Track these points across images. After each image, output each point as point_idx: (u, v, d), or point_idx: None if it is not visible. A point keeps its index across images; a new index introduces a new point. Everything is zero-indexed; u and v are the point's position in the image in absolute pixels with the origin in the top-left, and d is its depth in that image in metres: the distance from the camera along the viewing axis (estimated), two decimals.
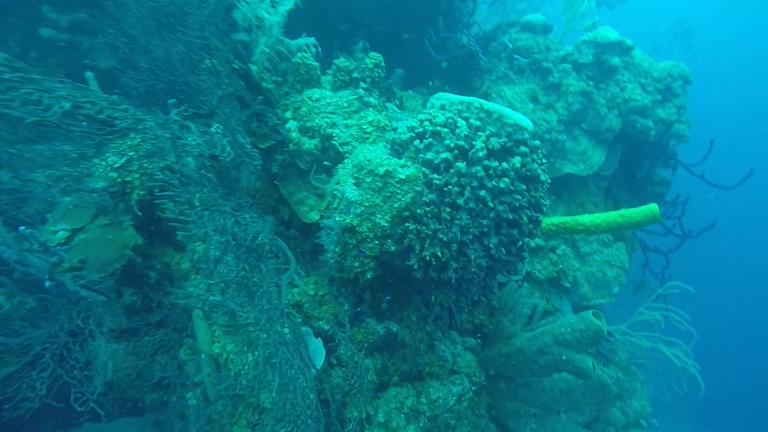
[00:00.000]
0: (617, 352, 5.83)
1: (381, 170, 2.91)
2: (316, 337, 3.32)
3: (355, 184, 3.02)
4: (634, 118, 5.31)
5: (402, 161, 2.98)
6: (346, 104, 3.69)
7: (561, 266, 5.08)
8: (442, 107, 3.10)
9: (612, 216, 3.69)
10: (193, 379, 3.56)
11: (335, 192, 3.08)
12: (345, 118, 3.65)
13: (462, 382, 3.81)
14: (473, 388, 3.96)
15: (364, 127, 3.62)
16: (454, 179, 2.81)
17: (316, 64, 3.84)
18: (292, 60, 3.81)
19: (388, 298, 3.38)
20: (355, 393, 2.86)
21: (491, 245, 2.88)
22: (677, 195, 6.33)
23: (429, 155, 2.91)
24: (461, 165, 2.79)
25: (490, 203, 2.79)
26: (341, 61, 3.81)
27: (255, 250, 2.47)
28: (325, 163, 3.41)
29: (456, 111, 3.00)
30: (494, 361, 4.06)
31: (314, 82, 3.86)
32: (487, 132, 2.86)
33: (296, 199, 3.39)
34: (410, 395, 3.58)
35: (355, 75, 3.82)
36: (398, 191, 2.91)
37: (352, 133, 3.57)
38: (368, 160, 2.97)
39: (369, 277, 3.08)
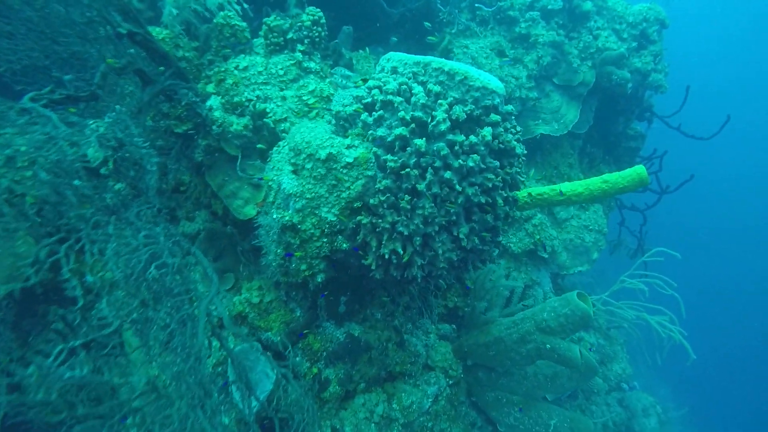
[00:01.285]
0: (597, 318, 5.59)
1: (323, 154, 2.36)
2: (266, 351, 2.84)
3: (294, 172, 2.47)
4: (609, 69, 4.84)
5: (348, 141, 2.44)
6: (281, 72, 3.08)
7: (538, 237, 4.70)
8: (394, 70, 2.54)
9: (595, 183, 3.26)
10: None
11: (270, 183, 2.52)
12: (281, 89, 3.04)
13: (438, 380, 3.43)
14: (450, 382, 3.59)
15: (304, 98, 3.03)
16: (413, 160, 2.29)
17: (244, 24, 3.18)
18: (214, 21, 3.14)
19: (344, 299, 2.91)
20: (308, 418, 2.41)
21: (462, 235, 2.41)
22: (654, 149, 6.00)
23: (380, 131, 2.37)
24: (420, 142, 2.27)
25: (457, 186, 2.29)
26: (273, 20, 3.16)
27: (163, 275, 1.93)
28: (258, 146, 2.83)
29: (411, 74, 2.45)
30: (472, 351, 3.69)
31: (243, 47, 3.21)
32: (450, 99, 2.33)
33: (227, 192, 2.82)
34: (380, 401, 3.17)
35: (290, 36, 3.18)
36: (346, 178, 2.38)
37: (290, 106, 2.98)
38: (307, 142, 2.41)
39: (320, 280, 2.59)
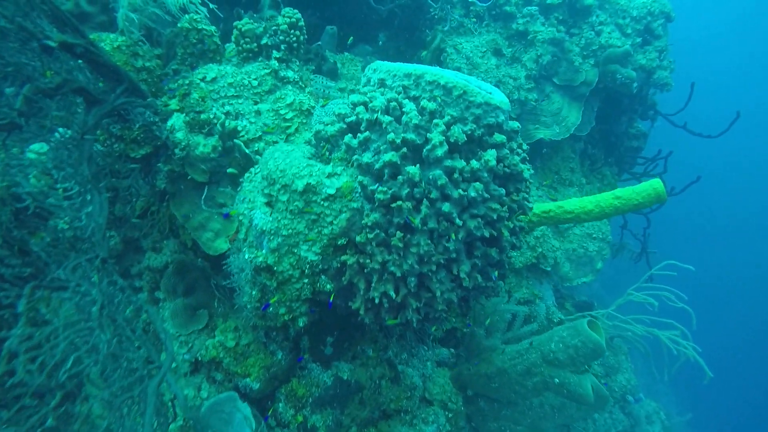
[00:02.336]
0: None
1: (300, 185, 2.02)
2: (244, 400, 2.52)
3: (268, 204, 2.14)
4: (613, 68, 4.52)
5: (329, 167, 2.10)
6: (255, 83, 2.73)
7: (540, 249, 4.40)
8: (382, 83, 2.20)
9: (606, 199, 2.96)
10: None
11: (241, 218, 2.19)
12: (255, 103, 2.69)
13: (436, 418, 3.13)
14: (450, 416, 3.30)
15: (282, 112, 2.69)
16: (405, 191, 1.96)
17: (212, 28, 2.82)
18: (179, 25, 2.78)
19: (331, 340, 2.59)
20: None
21: (463, 274, 2.09)
22: (659, 150, 5.70)
23: (366, 157, 2.04)
24: (413, 170, 1.94)
25: (457, 220, 1.97)
26: (244, 23, 2.81)
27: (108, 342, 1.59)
28: (229, 170, 2.48)
29: (401, 88, 2.11)
30: (472, 381, 3.39)
31: (213, 54, 2.85)
32: (447, 118, 2.00)
33: (195, 224, 2.48)
34: None
35: (265, 41, 2.83)
36: (327, 212, 2.05)
37: (265, 122, 2.63)
38: (281, 171, 2.07)
39: (301, 325, 2.26)
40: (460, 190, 1.95)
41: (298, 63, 2.93)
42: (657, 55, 4.86)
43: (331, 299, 2.24)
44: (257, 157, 2.43)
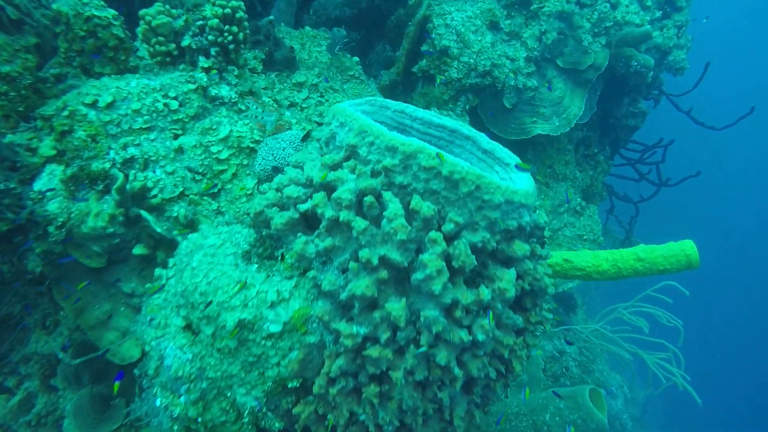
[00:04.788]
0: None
1: (229, 321, 1.37)
2: None
3: (186, 329, 1.48)
4: (629, 52, 3.80)
5: (274, 284, 1.44)
6: (174, 104, 1.94)
7: None
8: (352, 151, 1.49)
9: (625, 260, 2.42)
10: None
11: (147, 347, 1.53)
12: (175, 137, 1.93)
13: None
14: None
15: (213, 150, 1.94)
16: (384, 335, 1.35)
17: (110, 13, 1.96)
18: (53, 6, 1.90)
19: None
20: None
21: (457, 420, 1.55)
22: (660, 138, 5.13)
23: (328, 281, 1.39)
24: (397, 311, 1.31)
25: (456, 369, 1.39)
26: (155, 13, 1.95)
27: None
28: (136, 250, 1.77)
29: (382, 169, 1.42)
30: None
31: (115, 53, 2.00)
32: (451, 226, 1.34)
33: (92, 320, 1.80)
34: None
35: (187, 42, 2.00)
36: (271, 353, 1.42)
37: (191, 166, 1.89)
38: (202, 294, 1.40)
39: None
40: (463, 333, 1.35)
41: (237, 71, 2.13)
42: (675, 32, 4.14)
43: (279, 427, 1.68)
44: (177, 237, 1.71)
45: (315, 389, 1.44)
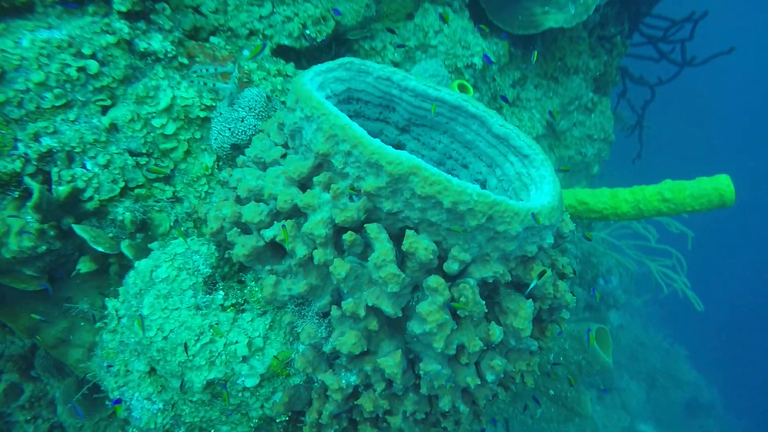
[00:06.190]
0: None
1: (197, 383, 1.16)
2: None
3: (151, 372, 1.28)
4: None
5: (245, 325, 1.21)
6: (93, 67, 1.49)
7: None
8: (323, 159, 1.13)
9: (649, 200, 2.14)
10: None
11: (112, 404, 1.34)
12: (102, 111, 1.53)
13: None
14: None
15: (155, 123, 1.55)
16: (378, 386, 1.15)
17: None
18: None
19: None
20: None
21: (462, 429, 1.44)
22: (692, 11, 4.39)
23: (307, 336, 1.15)
24: (391, 368, 1.10)
25: (461, 408, 1.23)
26: None
27: None
28: (81, 266, 1.49)
29: (363, 193, 1.07)
30: None
31: None
32: (455, 266, 1.06)
33: (51, 341, 1.60)
34: None
35: None
36: (252, 400, 1.24)
37: (131, 147, 1.53)
38: (160, 351, 1.17)
39: None
40: (471, 378, 1.16)
41: (169, 11, 1.61)
42: None
43: None
44: (126, 251, 1.41)
45: (306, 429, 1.30)
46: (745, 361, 11.83)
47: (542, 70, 3.78)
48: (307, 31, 2.19)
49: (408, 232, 1.05)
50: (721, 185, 2.02)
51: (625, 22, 4.66)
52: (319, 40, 2.23)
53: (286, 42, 2.08)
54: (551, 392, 2.60)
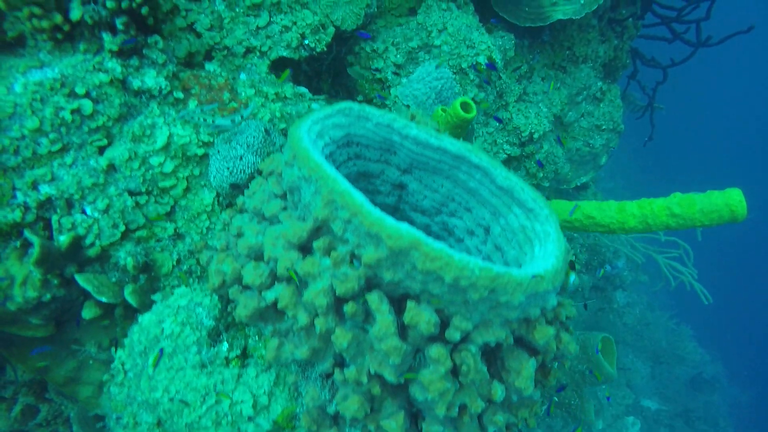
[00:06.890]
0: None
1: None
2: None
3: (159, 424, 1.31)
4: None
5: (250, 382, 1.22)
6: (87, 107, 1.46)
7: (541, 175, 3.55)
8: (322, 224, 1.11)
9: (657, 215, 2.11)
10: None
11: None
12: (99, 151, 1.51)
13: None
14: None
15: (153, 162, 1.53)
16: None
17: None
18: None
19: None
20: None
21: None
22: None
23: (311, 398, 1.16)
24: (395, 429, 1.11)
25: None
26: None
27: None
28: (86, 314, 1.50)
29: (363, 264, 1.06)
30: None
31: None
32: (457, 335, 1.06)
33: (61, 380, 1.62)
34: None
35: (76, 14, 1.42)
36: None
37: (130, 187, 1.51)
38: (167, 412, 1.19)
39: None
40: None
41: (161, 43, 1.56)
42: None
43: None
44: (129, 298, 1.41)
45: None
46: (750, 334, 11.90)
47: (550, 61, 3.66)
48: (306, 41, 2.13)
49: (409, 304, 1.03)
50: (732, 200, 1.98)
51: (638, 1, 4.48)
52: (318, 50, 2.17)
53: (284, 53, 2.03)
54: (555, 399, 2.63)
